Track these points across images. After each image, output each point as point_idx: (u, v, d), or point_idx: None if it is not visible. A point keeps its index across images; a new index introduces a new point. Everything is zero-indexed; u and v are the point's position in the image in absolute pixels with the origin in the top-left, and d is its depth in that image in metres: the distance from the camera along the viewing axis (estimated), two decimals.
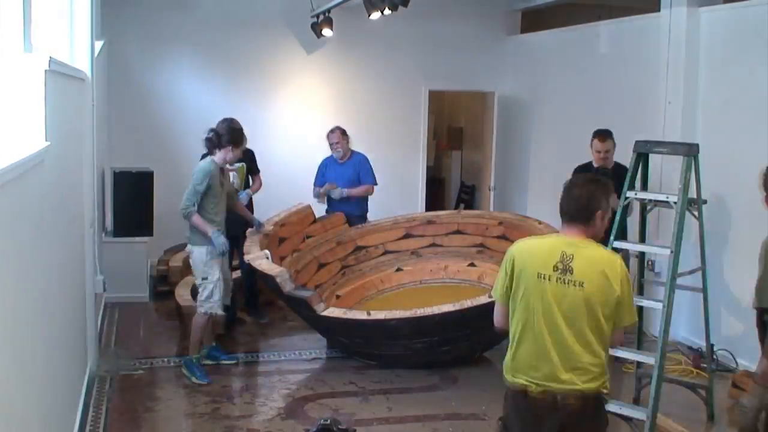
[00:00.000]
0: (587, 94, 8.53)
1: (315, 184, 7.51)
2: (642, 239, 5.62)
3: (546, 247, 3.32)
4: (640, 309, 5.53)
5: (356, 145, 9.59)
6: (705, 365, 5.87)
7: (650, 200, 5.32)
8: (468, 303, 5.73)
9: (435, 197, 11.24)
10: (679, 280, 5.18)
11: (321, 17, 8.70)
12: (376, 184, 7.50)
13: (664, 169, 6.96)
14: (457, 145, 12.23)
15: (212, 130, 5.88)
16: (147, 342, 6.86)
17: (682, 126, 6.85)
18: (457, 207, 11.14)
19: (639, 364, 5.51)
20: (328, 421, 4.00)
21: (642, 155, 5.31)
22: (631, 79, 7.75)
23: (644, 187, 5.35)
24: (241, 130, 5.98)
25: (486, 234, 7.47)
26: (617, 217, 5.20)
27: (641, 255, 5.78)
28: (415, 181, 10.13)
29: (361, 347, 6.29)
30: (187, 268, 6.96)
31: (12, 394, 2.65)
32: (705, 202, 5.42)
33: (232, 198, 6.22)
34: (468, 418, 5.35)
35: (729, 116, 6.55)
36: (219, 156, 5.88)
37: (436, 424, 5.24)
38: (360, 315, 5.94)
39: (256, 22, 9.28)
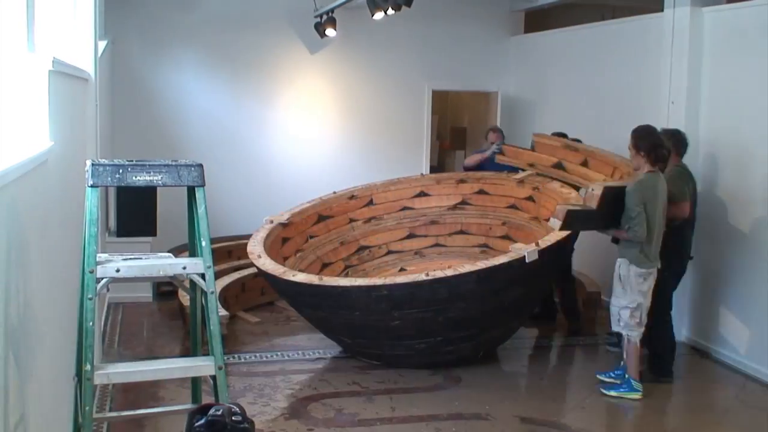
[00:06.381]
0: (590, 94, 8.52)
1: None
2: None
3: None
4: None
5: (359, 145, 9.65)
6: None
7: None
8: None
9: None
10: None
11: (324, 17, 8.71)
12: None
13: None
14: (461, 144, 12.22)
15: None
16: (150, 342, 6.88)
17: (685, 126, 6.82)
18: None
19: None
20: (220, 412, 3.54)
21: None
22: (634, 79, 7.74)
23: None
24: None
25: (489, 234, 7.47)
26: None
27: None
28: None
29: (364, 347, 6.30)
30: None
31: (14, 393, 2.65)
32: None
33: None
34: (471, 418, 5.35)
35: (732, 116, 6.53)
36: None
37: (440, 424, 5.24)
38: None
39: (260, 22, 9.29)
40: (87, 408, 3.53)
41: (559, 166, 7.14)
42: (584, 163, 6.99)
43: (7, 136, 2.99)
